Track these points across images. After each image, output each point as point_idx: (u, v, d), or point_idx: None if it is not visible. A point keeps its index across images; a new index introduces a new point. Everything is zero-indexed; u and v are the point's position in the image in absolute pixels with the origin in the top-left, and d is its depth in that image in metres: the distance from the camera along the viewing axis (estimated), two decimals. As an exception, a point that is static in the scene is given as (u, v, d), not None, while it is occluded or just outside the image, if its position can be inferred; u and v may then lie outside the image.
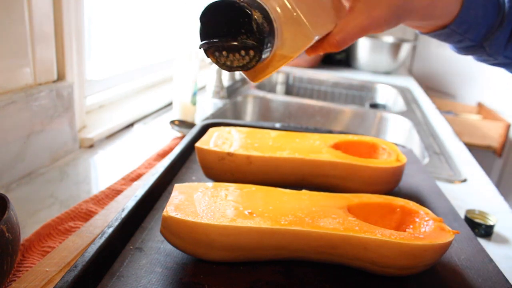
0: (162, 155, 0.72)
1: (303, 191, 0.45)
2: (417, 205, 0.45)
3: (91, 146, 0.75)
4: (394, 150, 0.58)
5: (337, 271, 0.40)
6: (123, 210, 0.42)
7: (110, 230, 0.38)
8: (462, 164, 0.87)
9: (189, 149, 0.62)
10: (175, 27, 1.23)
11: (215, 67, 1.13)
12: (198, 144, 0.53)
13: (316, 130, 0.71)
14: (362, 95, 1.66)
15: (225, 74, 1.26)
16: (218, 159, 0.51)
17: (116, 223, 0.39)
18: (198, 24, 0.34)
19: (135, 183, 0.60)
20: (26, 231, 0.48)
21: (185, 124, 0.84)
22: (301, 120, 1.26)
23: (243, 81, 1.37)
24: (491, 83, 2.12)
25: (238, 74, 1.35)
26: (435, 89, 2.44)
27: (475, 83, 2.23)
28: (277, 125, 0.73)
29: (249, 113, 1.29)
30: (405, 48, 1.85)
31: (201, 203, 0.39)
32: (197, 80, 0.88)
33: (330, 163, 0.52)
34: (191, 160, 0.61)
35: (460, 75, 2.31)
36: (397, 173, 0.54)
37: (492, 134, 1.86)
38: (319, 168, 0.53)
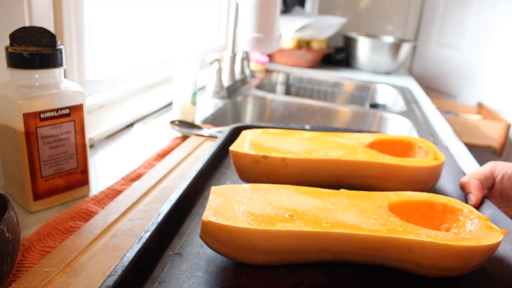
0: (162, 155, 0.72)
1: (342, 190, 0.44)
2: (460, 202, 0.43)
3: (91, 146, 0.75)
4: (431, 148, 0.56)
5: (380, 272, 0.39)
6: (158, 214, 0.41)
7: (147, 234, 0.38)
8: (462, 164, 0.87)
9: (220, 154, 0.62)
10: (175, 27, 1.23)
11: (215, 67, 1.13)
12: (232, 148, 0.52)
13: (346, 130, 0.70)
14: (362, 95, 1.66)
15: (225, 74, 1.26)
16: (253, 162, 0.51)
17: (153, 228, 0.39)
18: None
19: (135, 183, 0.60)
20: (26, 231, 0.48)
21: (185, 124, 0.84)
22: (301, 120, 1.26)
23: (243, 81, 1.37)
24: (491, 83, 2.12)
25: (239, 74, 1.35)
26: (435, 89, 2.44)
27: (475, 83, 2.23)
28: (307, 126, 0.72)
29: (249, 113, 1.29)
30: (405, 48, 1.85)
31: (239, 206, 0.39)
32: (197, 80, 0.88)
33: (366, 163, 0.51)
34: (223, 165, 0.61)
35: (460, 75, 2.31)
36: (435, 172, 0.53)
37: (492, 134, 1.86)
38: (356, 168, 0.52)
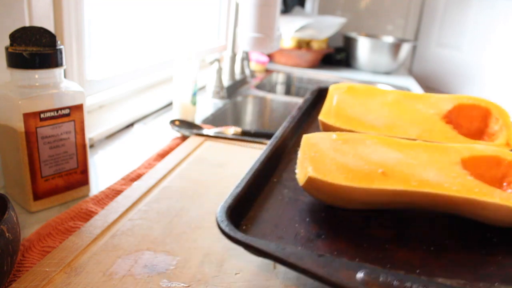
0: (162, 155, 0.72)
1: (418, 142, 0.49)
2: None
3: (91, 146, 0.75)
4: (507, 124, 0.58)
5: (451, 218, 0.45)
6: (264, 151, 0.51)
7: (257, 164, 0.47)
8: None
9: (307, 110, 0.70)
10: (175, 27, 1.23)
11: (215, 67, 1.13)
12: (321, 117, 0.59)
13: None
14: (362, 95, 1.66)
15: (225, 74, 1.26)
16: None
17: (262, 158, 0.49)
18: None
19: (135, 183, 0.60)
20: (26, 231, 0.48)
21: (185, 124, 0.84)
22: (301, 120, 1.26)
23: (243, 81, 1.37)
24: (491, 83, 2.12)
25: (239, 74, 1.35)
26: (435, 89, 2.44)
27: (475, 83, 2.23)
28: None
29: (249, 113, 1.29)
30: (405, 48, 1.86)
31: (336, 160, 0.44)
32: (197, 80, 0.88)
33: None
34: (308, 120, 0.69)
35: (460, 75, 2.31)
36: None
37: (492, 134, 1.86)
38: None
